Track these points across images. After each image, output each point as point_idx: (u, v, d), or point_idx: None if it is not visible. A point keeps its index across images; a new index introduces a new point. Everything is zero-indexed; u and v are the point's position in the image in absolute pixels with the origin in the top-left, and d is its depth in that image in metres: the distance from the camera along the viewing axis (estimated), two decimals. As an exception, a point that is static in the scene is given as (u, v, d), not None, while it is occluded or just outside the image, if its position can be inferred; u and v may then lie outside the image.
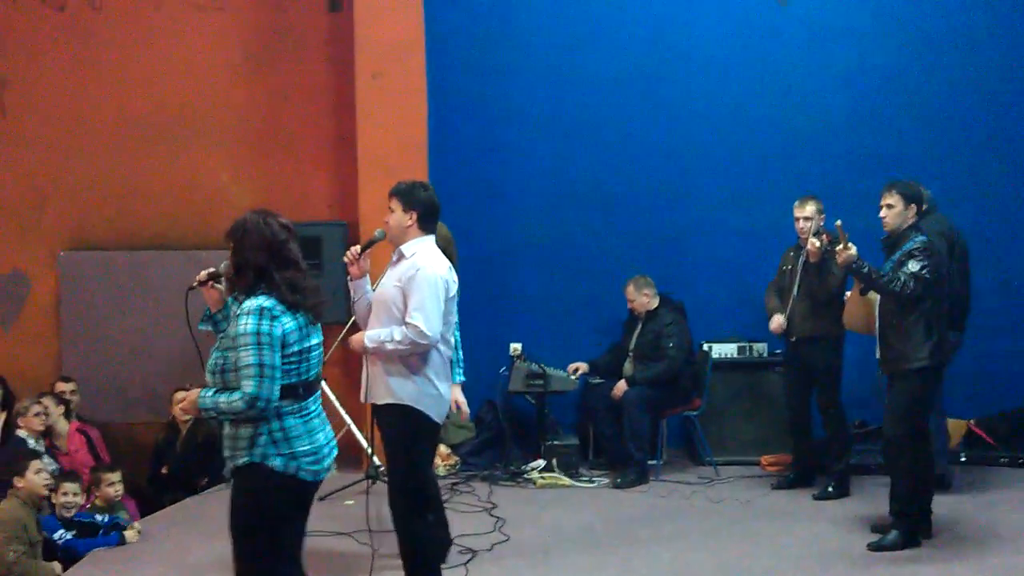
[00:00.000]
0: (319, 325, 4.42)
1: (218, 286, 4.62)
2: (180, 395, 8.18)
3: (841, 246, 6.41)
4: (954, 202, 8.59)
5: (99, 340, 8.96)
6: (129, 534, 6.75)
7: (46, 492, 6.67)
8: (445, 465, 8.21)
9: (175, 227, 9.12)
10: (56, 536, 6.54)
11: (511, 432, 8.62)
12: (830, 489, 7.57)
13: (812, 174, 8.75)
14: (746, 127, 9.20)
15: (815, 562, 6.24)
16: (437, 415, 5.39)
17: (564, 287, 9.16)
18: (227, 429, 4.29)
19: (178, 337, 8.69)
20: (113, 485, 7.13)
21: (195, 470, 8.16)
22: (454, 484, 7.96)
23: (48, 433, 7.94)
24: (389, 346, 5.23)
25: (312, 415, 4.35)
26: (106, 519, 6.80)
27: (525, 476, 8.19)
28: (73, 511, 6.77)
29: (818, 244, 7.37)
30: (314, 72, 9.18)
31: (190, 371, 8.65)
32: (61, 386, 8.34)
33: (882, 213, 6.47)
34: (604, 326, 8.93)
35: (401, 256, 5.41)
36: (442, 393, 5.39)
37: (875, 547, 6.37)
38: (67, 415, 8.17)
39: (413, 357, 5.27)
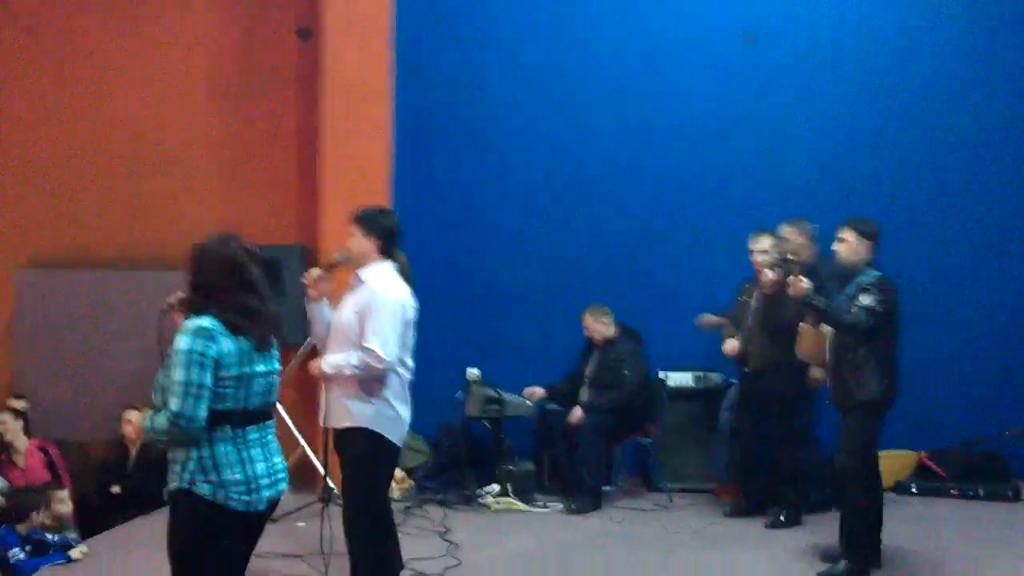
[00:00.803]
0: (272, 353, 4.29)
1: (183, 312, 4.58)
2: (130, 414, 8.20)
3: (793, 278, 6.48)
4: (919, 239, 8.74)
5: (53, 358, 8.93)
6: (75, 553, 6.69)
7: None
8: (400, 488, 8.20)
9: (134, 248, 9.16)
10: (11, 554, 6.49)
11: (467, 456, 8.62)
12: (782, 518, 7.61)
13: (772, 209, 8.74)
14: (708, 162, 9.27)
15: (765, 591, 6.28)
16: (397, 438, 5.41)
17: (522, 314, 9.20)
18: (170, 453, 4.20)
19: (130, 356, 8.90)
20: (64, 503, 7.08)
21: (146, 490, 8.10)
22: (408, 507, 7.94)
23: (6, 448, 7.88)
24: (347, 371, 5.27)
25: (251, 444, 4.18)
26: (56, 538, 6.75)
27: (480, 500, 8.19)
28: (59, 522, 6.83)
29: (772, 277, 7.43)
30: (282, 99, 9.25)
31: (141, 390, 8.64)
32: (13, 403, 8.29)
33: (835, 246, 6.55)
34: (561, 353, 8.95)
35: (359, 281, 5.44)
36: (401, 415, 5.43)
37: (825, 576, 6.42)
38: (26, 431, 8.10)
39: (372, 381, 5.29)
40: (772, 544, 7.20)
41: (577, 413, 8.28)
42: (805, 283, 6.43)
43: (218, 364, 4.05)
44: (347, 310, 5.40)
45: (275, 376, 4.31)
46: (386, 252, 5.47)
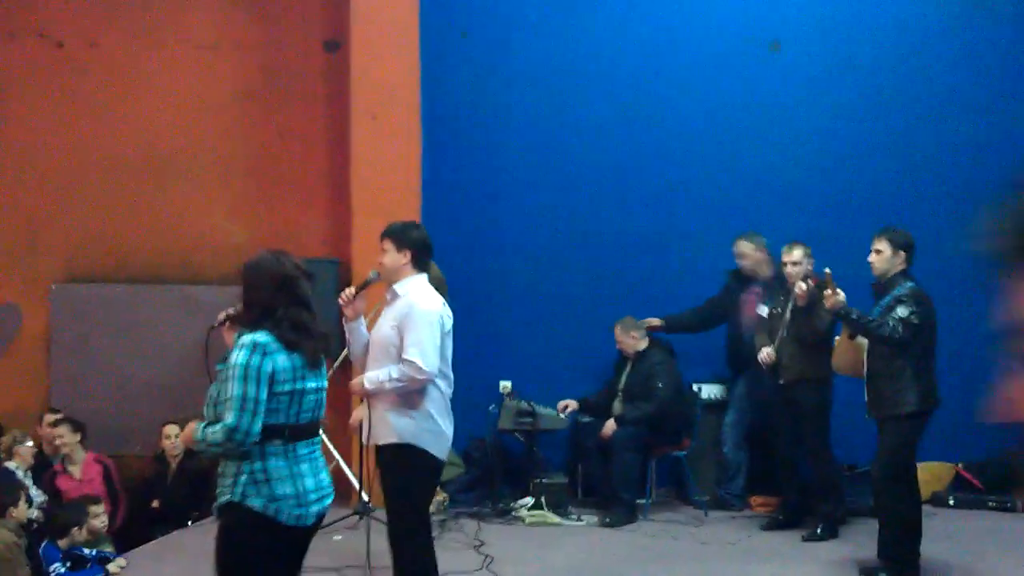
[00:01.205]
0: (321, 370, 4.37)
1: (235, 327, 4.61)
2: (169, 428, 8.24)
3: (829, 291, 6.45)
4: (942, 246, 8.63)
5: (89, 372, 9.00)
6: (113, 567, 6.73)
7: (27, 519, 6.72)
8: (434, 501, 8.19)
9: (167, 262, 9.20)
10: (52, 568, 6.54)
11: (500, 469, 8.61)
12: (819, 531, 7.56)
13: (800, 219, 8.77)
14: (736, 171, 9.25)
15: (803, 605, 6.24)
16: (439, 452, 5.37)
17: (555, 326, 9.18)
18: (220, 466, 4.26)
19: (168, 370, 8.96)
20: (99, 517, 7.13)
21: (186, 504, 8.15)
22: (442, 521, 7.94)
23: (62, 460, 8.02)
24: (388, 385, 5.26)
25: (301, 459, 4.25)
26: (94, 552, 6.79)
27: (513, 514, 8.18)
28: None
29: (806, 288, 7.41)
30: (309, 111, 9.27)
31: (179, 405, 8.70)
32: (49, 417, 8.32)
33: (871, 258, 6.52)
34: (594, 366, 8.94)
35: (395, 295, 5.44)
36: (443, 429, 5.39)
37: (863, 590, 6.39)
38: (83, 444, 8.18)
39: (413, 394, 5.28)
40: (809, 558, 7.15)
41: (611, 426, 8.27)
42: (841, 295, 6.40)
43: (273, 379, 4.13)
44: (385, 325, 5.40)
45: (324, 392, 4.38)
46: (419, 265, 5.47)
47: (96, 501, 7.31)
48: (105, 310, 9.08)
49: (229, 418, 4.06)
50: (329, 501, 4.38)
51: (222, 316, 4.62)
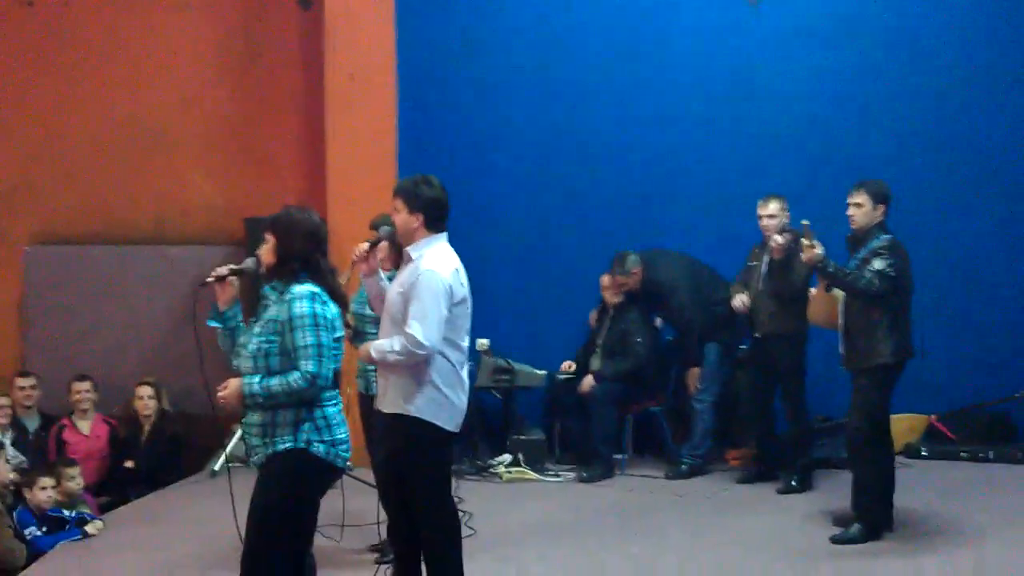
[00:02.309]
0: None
1: (234, 284, 4.59)
2: (142, 389, 8.23)
3: (807, 243, 6.46)
4: (921, 203, 8.70)
5: (63, 334, 8.94)
6: (91, 528, 6.72)
7: (8, 480, 6.69)
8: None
9: (142, 223, 9.18)
10: (27, 531, 6.52)
11: (478, 427, 8.62)
12: (793, 483, 7.63)
13: (781, 175, 8.75)
14: (718, 129, 9.20)
15: (779, 555, 6.29)
16: (448, 423, 5.03)
17: (533, 284, 9.17)
18: (257, 418, 4.31)
19: (143, 331, 8.92)
20: (74, 479, 7.10)
21: (161, 466, 8.16)
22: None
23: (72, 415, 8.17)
24: (390, 357, 4.95)
25: (340, 404, 4.47)
26: (73, 514, 6.78)
27: (491, 470, 8.21)
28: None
29: (781, 241, 7.43)
30: (285, 71, 9.22)
31: (155, 365, 8.71)
32: (20, 381, 8.30)
33: (850, 211, 6.52)
34: (572, 323, 8.96)
35: (408, 258, 5.13)
36: (452, 400, 5.04)
37: (838, 540, 6.43)
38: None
39: (419, 365, 4.96)
40: (784, 509, 7.23)
41: (588, 381, 8.29)
42: (819, 248, 6.41)
43: (332, 326, 4.32)
44: (394, 290, 5.12)
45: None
46: (433, 226, 5.10)
47: (72, 463, 7.29)
48: (80, 272, 9.01)
49: (310, 365, 4.23)
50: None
51: (224, 270, 4.59)
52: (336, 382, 4.42)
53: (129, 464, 8.14)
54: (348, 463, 4.52)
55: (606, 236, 9.09)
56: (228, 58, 9.20)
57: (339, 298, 4.45)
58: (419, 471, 5.06)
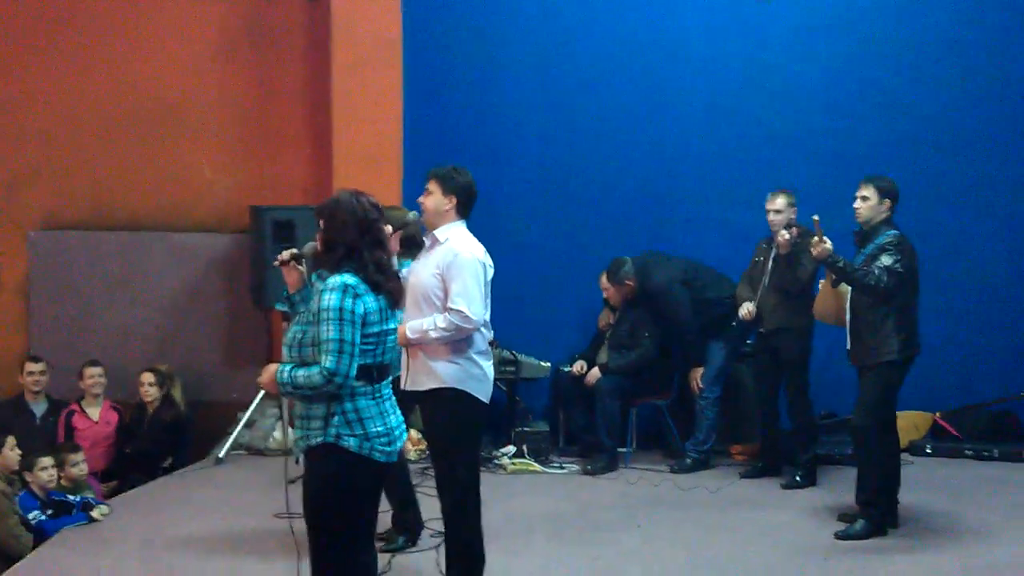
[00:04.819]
0: (398, 311, 4.41)
1: (299, 267, 4.56)
2: (145, 376, 8.24)
3: (816, 239, 6.46)
4: (932, 199, 8.69)
5: (70, 320, 8.96)
6: (96, 513, 6.73)
7: (14, 468, 6.70)
8: (416, 450, 8.22)
9: (149, 210, 9.18)
10: (31, 516, 6.52)
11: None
12: (798, 478, 7.64)
13: (790, 170, 8.74)
14: (727, 123, 9.18)
15: (783, 551, 6.29)
16: (484, 394, 5.28)
17: (538, 276, 9.12)
18: (300, 408, 4.26)
19: (150, 318, 8.95)
20: (77, 465, 7.11)
21: (160, 451, 8.19)
22: (425, 468, 7.94)
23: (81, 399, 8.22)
24: (433, 334, 5.14)
25: (384, 398, 4.31)
26: (78, 499, 6.79)
27: (495, 462, 8.20)
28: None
29: (788, 236, 7.43)
30: (292, 60, 9.22)
31: (162, 352, 8.74)
32: (30, 366, 8.30)
33: (856, 204, 6.53)
34: (578, 315, 8.96)
35: (435, 241, 5.31)
36: (487, 372, 5.31)
37: (842, 536, 6.44)
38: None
39: (459, 341, 5.18)
40: (789, 504, 7.23)
41: (595, 374, 8.30)
42: (828, 244, 6.41)
43: (364, 321, 4.16)
44: (425, 272, 5.26)
45: (396, 332, 4.42)
46: (462, 211, 5.32)
47: (76, 449, 7.30)
48: (86, 258, 9.03)
49: (328, 361, 4.08)
50: (406, 436, 4.45)
51: (286, 255, 4.58)
52: (379, 376, 4.26)
53: (128, 450, 8.17)
54: (391, 456, 4.31)
55: (613, 228, 9.11)
56: (237, 47, 9.19)
57: (385, 290, 4.26)
58: (455, 442, 5.24)
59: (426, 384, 5.22)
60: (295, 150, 9.22)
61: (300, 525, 4.36)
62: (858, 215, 6.53)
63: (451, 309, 5.13)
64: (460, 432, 5.25)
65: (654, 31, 9.23)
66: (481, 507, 5.39)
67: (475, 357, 5.25)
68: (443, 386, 5.19)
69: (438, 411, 5.26)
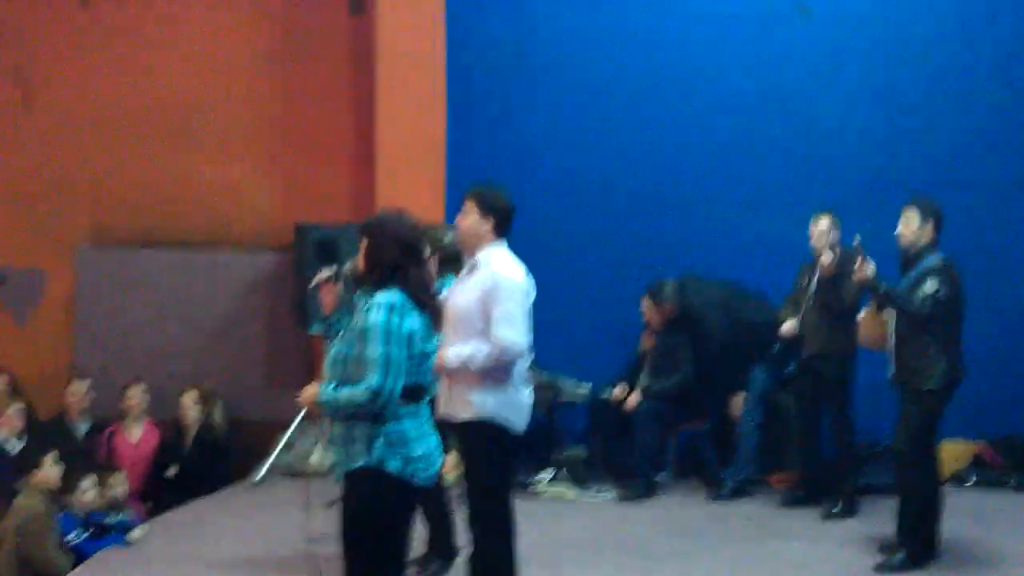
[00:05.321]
0: (438, 333, 4.42)
1: (336, 287, 4.55)
2: (187, 396, 8.28)
3: (859, 264, 6.39)
4: (971, 221, 8.59)
5: (113, 337, 9.05)
6: (133, 535, 6.77)
7: (56, 485, 6.75)
8: (454, 473, 8.20)
9: (193, 227, 9.25)
10: (70, 537, 6.58)
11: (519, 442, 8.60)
12: (837, 508, 7.55)
13: (828, 188, 8.71)
14: (764, 141, 9.15)
15: (821, 582, 6.24)
16: (520, 423, 5.14)
17: (578, 297, 9.09)
18: (339, 429, 4.23)
19: (192, 336, 9.00)
20: (118, 486, 7.17)
21: (203, 473, 8.22)
22: (460, 493, 7.94)
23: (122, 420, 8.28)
24: (475, 363, 4.96)
25: (425, 419, 4.31)
26: (116, 520, 6.83)
27: (532, 486, 8.19)
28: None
29: (831, 258, 7.36)
30: (334, 73, 9.28)
31: (204, 371, 8.78)
32: (76, 385, 8.37)
33: (900, 228, 6.44)
34: (617, 338, 8.91)
35: (476, 264, 5.13)
36: (524, 401, 5.17)
37: (882, 567, 6.35)
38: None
39: (500, 369, 5.00)
40: (828, 535, 7.14)
41: (635, 398, 8.25)
42: (871, 268, 6.34)
43: (410, 340, 4.16)
44: (465, 296, 5.07)
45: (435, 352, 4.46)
46: (501, 232, 5.14)
47: (117, 470, 7.36)
48: (130, 275, 9.13)
49: (373, 379, 4.07)
50: (442, 460, 4.42)
51: (324, 275, 4.57)
52: (419, 396, 4.26)
53: (171, 472, 8.20)
54: (431, 480, 4.33)
55: (654, 249, 9.05)
56: (279, 62, 9.28)
57: (431, 309, 4.29)
58: (490, 474, 5.12)
59: (462, 415, 5.06)
60: (337, 164, 9.29)
61: (329, 549, 4.37)
62: (902, 239, 6.43)
63: (495, 336, 4.95)
64: (494, 464, 5.13)
65: (697, 51, 9.21)
66: (516, 538, 5.30)
67: (514, 385, 5.09)
68: (479, 418, 5.03)
69: (474, 442, 5.09)
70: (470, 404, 5.04)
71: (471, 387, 5.02)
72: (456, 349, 4.94)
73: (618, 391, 8.49)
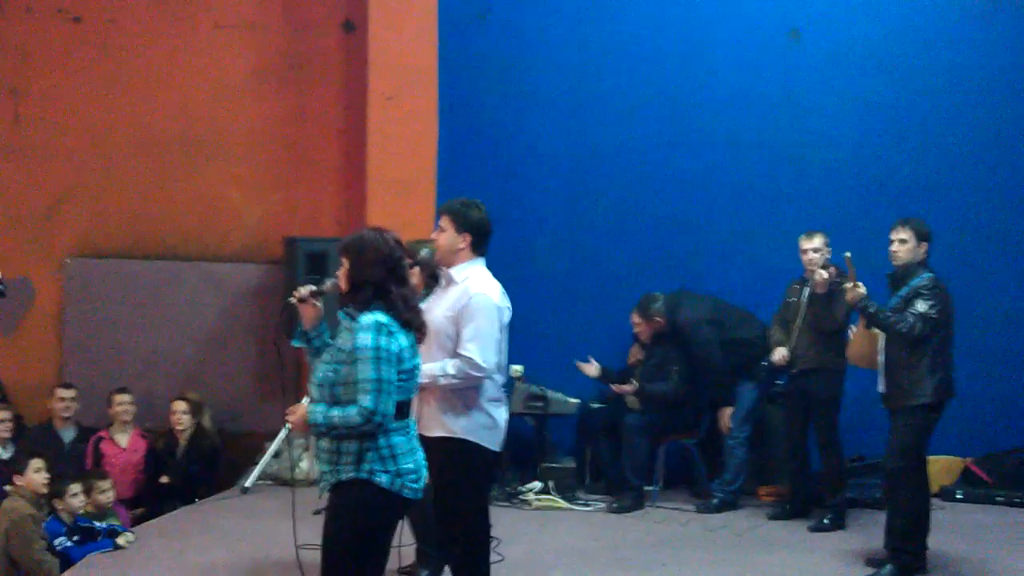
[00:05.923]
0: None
1: (317, 304, 4.53)
2: (177, 405, 8.27)
3: (850, 284, 6.43)
4: (961, 237, 8.64)
5: (102, 347, 9.01)
6: (122, 540, 6.75)
7: (45, 491, 6.71)
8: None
9: (183, 238, 9.23)
10: (56, 542, 6.55)
11: (508, 453, 8.60)
12: (826, 521, 7.57)
13: (820, 207, 8.76)
14: (757, 159, 9.20)
15: (810, 594, 6.25)
16: (493, 443, 5.08)
17: (568, 311, 9.14)
18: (326, 443, 4.24)
19: (182, 347, 8.99)
20: (105, 492, 7.14)
21: (194, 481, 8.21)
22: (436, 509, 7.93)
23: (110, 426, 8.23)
24: (442, 380, 4.93)
25: (412, 434, 4.33)
26: (104, 525, 6.81)
27: (521, 497, 8.18)
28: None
29: (825, 276, 7.39)
30: (327, 91, 9.29)
31: (194, 381, 8.78)
32: (61, 392, 8.35)
33: (893, 248, 6.49)
34: (607, 351, 8.92)
35: (451, 281, 5.10)
36: (497, 420, 5.10)
37: (870, 581, 6.37)
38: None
39: (469, 387, 4.99)
40: (816, 548, 7.15)
41: (629, 388, 8.24)
42: (862, 288, 6.38)
43: (399, 359, 4.16)
44: (438, 313, 4.99)
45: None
46: (477, 249, 5.12)
47: (104, 476, 7.34)
48: (120, 285, 9.08)
49: (367, 401, 4.08)
50: (427, 474, 4.42)
51: (305, 291, 4.51)
52: (408, 412, 4.28)
53: (164, 479, 8.17)
54: (418, 493, 4.31)
55: (643, 264, 9.10)
56: (271, 78, 9.27)
57: (414, 327, 4.28)
58: (461, 492, 5.07)
59: (435, 431, 5.00)
60: (329, 180, 9.28)
61: (311, 556, 4.36)
62: (895, 258, 6.49)
63: (460, 355, 4.92)
64: (467, 482, 5.07)
65: (686, 66, 9.26)
66: (489, 554, 5.29)
67: (486, 406, 5.04)
68: (451, 436, 4.99)
69: (445, 460, 4.97)
70: (442, 422, 5.02)
71: (442, 407, 5.00)
72: (427, 366, 4.83)
73: (591, 367, 8.47)
